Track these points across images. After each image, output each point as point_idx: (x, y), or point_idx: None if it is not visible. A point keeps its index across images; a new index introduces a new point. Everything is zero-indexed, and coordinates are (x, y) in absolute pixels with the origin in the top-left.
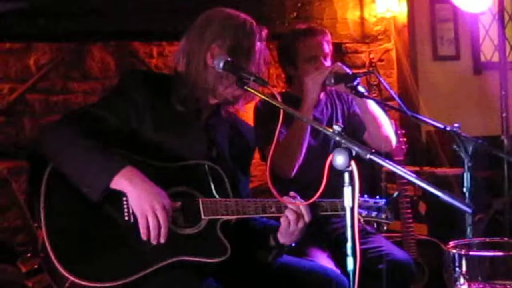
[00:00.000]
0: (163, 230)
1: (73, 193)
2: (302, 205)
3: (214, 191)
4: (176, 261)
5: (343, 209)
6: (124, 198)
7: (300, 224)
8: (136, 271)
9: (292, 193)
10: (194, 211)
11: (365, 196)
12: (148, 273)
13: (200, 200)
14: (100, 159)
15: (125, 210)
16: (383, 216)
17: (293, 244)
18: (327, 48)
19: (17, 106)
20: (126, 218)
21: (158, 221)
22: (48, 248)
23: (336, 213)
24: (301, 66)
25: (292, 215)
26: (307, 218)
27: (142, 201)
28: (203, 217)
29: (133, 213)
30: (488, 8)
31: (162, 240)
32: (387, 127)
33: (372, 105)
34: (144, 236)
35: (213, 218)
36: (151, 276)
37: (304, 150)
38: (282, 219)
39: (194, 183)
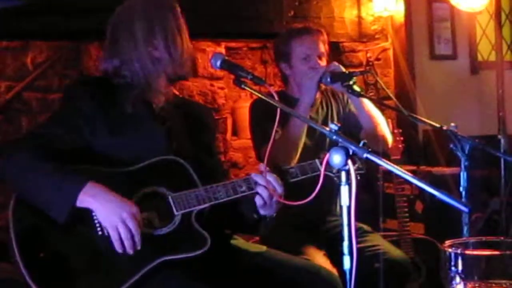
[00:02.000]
0: (136, 238)
1: (41, 219)
2: (271, 178)
3: (181, 184)
4: (160, 263)
5: (315, 170)
6: (94, 213)
7: (276, 198)
8: (122, 282)
9: (261, 166)
10: (167, 209)
11: None
12: (136, 281)
13: (169, 197)
14: (60, 180)
15: (97, 224)
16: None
17: (274, 214)
18: (323, 47)
19: (14, 104)
20: (100, 232)
21: (130, 230)
22: (29, 280)
23: (308, 175)
24: (296, 65)
25: (265, 192)
26: (279, 190)
27: (109, 214)
28: (175, 213)
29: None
30: (485, 8)
31: (138, 247)
32: (383, 126)
33: (368, 104)
34: (118, 249)
35: (186, 212)
36: (140, 284)
37: (300, 150)
38: (256, 199)
39: (160, 181)
